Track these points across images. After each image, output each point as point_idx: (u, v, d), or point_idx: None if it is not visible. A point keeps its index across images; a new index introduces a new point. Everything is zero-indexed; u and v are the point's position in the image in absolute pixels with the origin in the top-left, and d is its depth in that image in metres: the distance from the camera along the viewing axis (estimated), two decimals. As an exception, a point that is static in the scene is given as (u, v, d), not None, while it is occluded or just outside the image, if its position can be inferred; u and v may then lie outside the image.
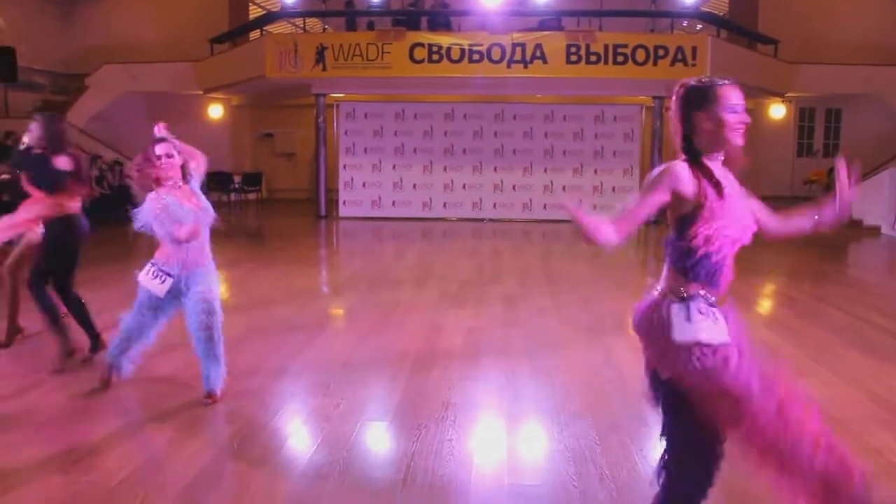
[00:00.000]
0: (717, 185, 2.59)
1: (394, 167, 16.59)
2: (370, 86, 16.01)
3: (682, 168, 2.57)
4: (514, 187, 16.53)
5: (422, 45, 14.94)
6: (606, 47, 14.75)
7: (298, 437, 4.31)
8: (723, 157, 2.68)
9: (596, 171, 16.42)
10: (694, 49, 14.66)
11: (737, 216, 2.65)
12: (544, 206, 16.48)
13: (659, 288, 2.69)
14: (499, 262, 11.03)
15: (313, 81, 15.68)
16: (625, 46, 14.75)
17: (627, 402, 4.81)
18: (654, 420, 4.50)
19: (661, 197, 2.54)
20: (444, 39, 14.97)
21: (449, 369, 5.51)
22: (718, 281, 2.65)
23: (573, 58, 14.82)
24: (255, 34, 17.38)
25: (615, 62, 14.79)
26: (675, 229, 2.65)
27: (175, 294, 4.65)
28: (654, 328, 2.64)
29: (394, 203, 16.61)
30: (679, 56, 14.67)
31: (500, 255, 11.66)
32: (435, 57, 14.91)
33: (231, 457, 3.95)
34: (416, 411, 4.62)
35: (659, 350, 2.63)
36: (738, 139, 2.64)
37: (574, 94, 16.35)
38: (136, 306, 4.70)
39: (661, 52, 14.73)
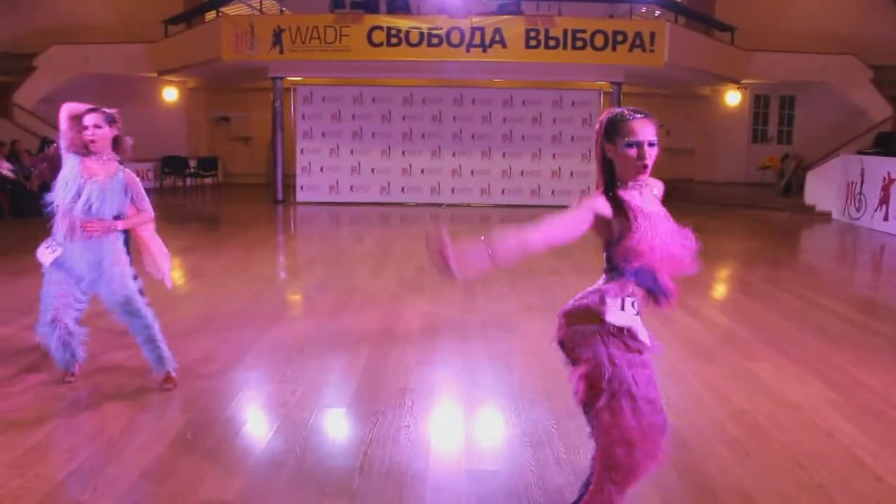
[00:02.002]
0: (632, 213, 2.63)
1: (352, 152, 16.47)
2: (328, 69, 15.86)
3: (599, 197, 2.65)
4: (472, 172, 16.52)
5: (380, 28, 14.82)
6: (565, 32, 14.77)
7: (254, 424, 4.26)
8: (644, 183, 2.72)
9: (554, 156, 16.47)
10: (652, 35, 14.74)
11: (657, 239, 2.68)
12: (502, 191, 16.51)
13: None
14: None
15: (270, 64, 15.48)
16: (584, 32, 14.78)
17: (584, 387, 4.82)
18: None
19: (584, 214, 2.61)
20: (402, 23, 14.86)
21: (406, 355, 5.48)
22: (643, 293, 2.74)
23: (532, 42, 14.82)
24: (210, 15, 17.09)
25: (574, 47, 14.82)
26: (604, 247, 2.75)
27: (69, 268, 4.51)
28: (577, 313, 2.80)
29: (352, 188, 16.50)
30: (637, 42, 14.74)
31: (459, 240, 11.62)
32: (394, 40, 14.81)
33: (185, 446, 3.88)
34: (373, 397, 4.59)
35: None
36: (634, 174, 2.65)
37: (533, 79, 16.37)
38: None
39: (619, 38, 14.78)
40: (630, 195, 2.67)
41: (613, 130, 2.66)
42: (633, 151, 2.63)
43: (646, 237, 2.65)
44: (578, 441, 3.95)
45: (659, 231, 2.69)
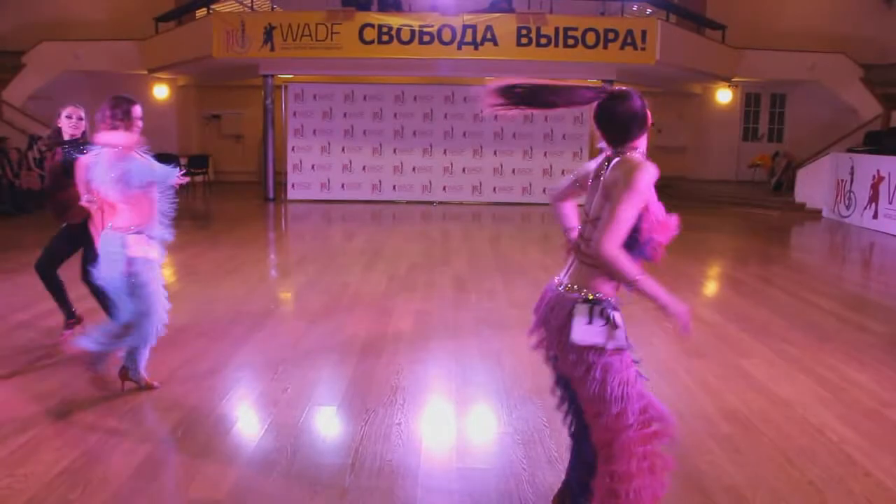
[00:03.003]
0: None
1: (343, 149, 16.43)
2: (319, 66, 15.79)
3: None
4: (463, 170, 16.51)
5: (372, 25, 14.79)
6: (557, 30, 14.77)
7: (245, 423, 4.24)
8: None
9: (546, 154, 16.48)
10: (643, 33, 14.75)
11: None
12: (494, 189, 16.50)
13: (572, 285, 2.71)
14: (449, 244, 11.00)
15: (261, 62, 15.42)
16: (575, 29, 14.78)
17: (576, 385, 4.82)
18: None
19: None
20: (394, 20, 14.83)
21: (398, 353, 5.48)
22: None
23: (524, 40, 14.81)
24: (201, 13, 17.02)
25: (566, 45, 14.82)
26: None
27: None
28: (559, 325, 2.70)
29: (343, 186, 16.47)
30: (629, 40, 14.75)
31: (450, 238, 11.63)
32: (385, 38, 14.77)
33: (175, 445, 3.87)
34: (364, 395, 4.58)
35: (560, 346, 2.71)
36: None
37: (525, 77, 16.32)
38: (140, 287, 4.29)
39: (611, 36, 14.78)
40: None
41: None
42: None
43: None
44: (570, 439, 3.95)
45: None
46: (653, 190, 2.61)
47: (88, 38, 17.59)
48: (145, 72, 17.97)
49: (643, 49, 14.74)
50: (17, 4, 18.56)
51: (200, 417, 4.23)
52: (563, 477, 3.52)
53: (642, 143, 2.70)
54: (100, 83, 17.21)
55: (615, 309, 2.65)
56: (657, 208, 2.63)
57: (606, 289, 2.65)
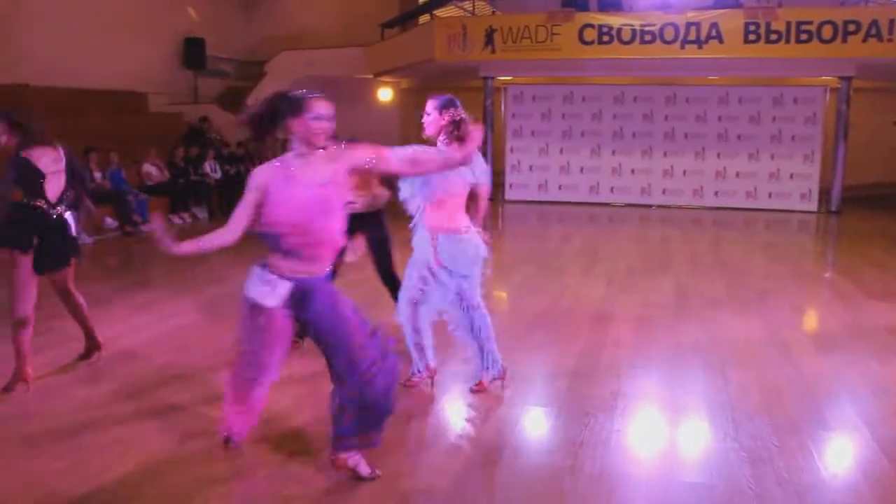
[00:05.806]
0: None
1: (561, 151, 16.42)
2: (538, 68, 15.87)
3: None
4: (684, 172, 15.97)
5: (592, 26, 14.67)
6: (788, 24, 13.92)
7: (466, 419, 4.36)
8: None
9: (773, 157, 15.58)
10: (891, 22, 13.54)
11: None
12: (716, 193, 15.83)
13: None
14: (668, 249, 10.72)
15: (481, 64, 15.73)
16: (809, 23, 13.86)
17: (808, 403, 4.57)
18: (837, 423, 4.28)
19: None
20: (614, 20, 14.62)
21: (617, 357, 5.42)
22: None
23: (752, 37, 14.09)
24: (424, 18, 17.64)
25: (798, 40, 13.93)
26: None
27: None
28: None
29: (560, 187, 16.45)
30: (873, 31, 13.59)
31: (670, 243, 11.32)
32: (605, 38, 14.59)
33: (398, 435, 4.04)
34: (584, 399, 4.57)
35: None
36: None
37: (751, 76, 15.59)
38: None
39: (851, 28, 13.73)
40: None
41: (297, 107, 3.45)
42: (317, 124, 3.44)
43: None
44: (802, 460, 3.76)
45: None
46: None
47: (321, 46, 18.75)
48: (371, 76, 18.88)
49: (889, 40, 13.55)
50: (263, 19, 20.20)
51: (425, 411, 4.41)
52: (794, 500, 3.36)
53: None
54: (330, 87, 18.20)
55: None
56: None
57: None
